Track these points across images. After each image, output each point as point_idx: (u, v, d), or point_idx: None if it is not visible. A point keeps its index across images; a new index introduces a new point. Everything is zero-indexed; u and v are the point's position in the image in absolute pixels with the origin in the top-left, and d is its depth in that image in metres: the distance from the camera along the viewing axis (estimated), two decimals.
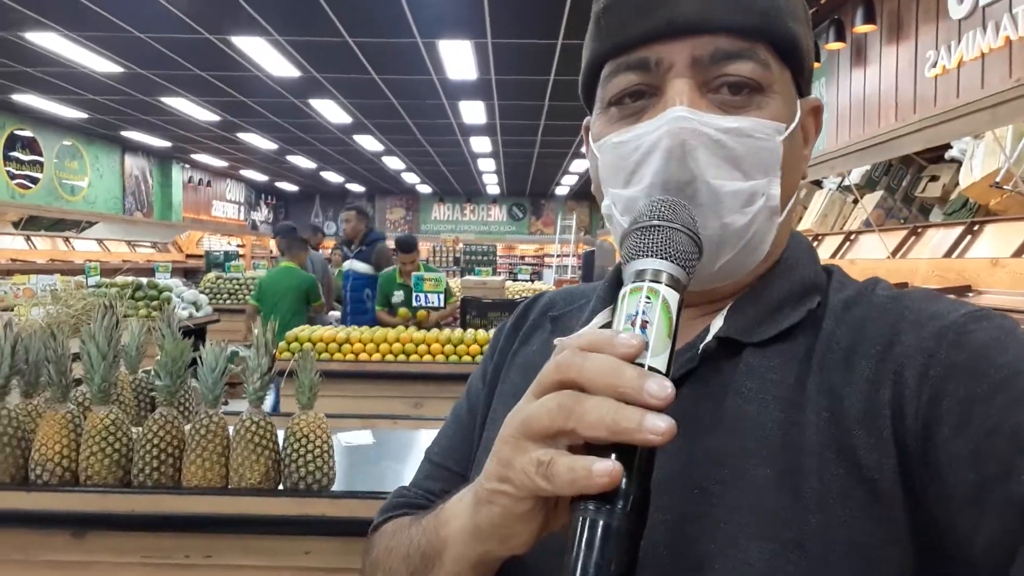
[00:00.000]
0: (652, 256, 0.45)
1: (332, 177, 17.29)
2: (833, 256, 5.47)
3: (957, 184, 5.25)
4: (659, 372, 0.41)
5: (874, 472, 0.46)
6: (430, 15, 5.87)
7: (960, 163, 5.18)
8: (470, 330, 4.49)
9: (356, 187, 19.60)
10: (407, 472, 2.16)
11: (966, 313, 0.49)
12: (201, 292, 7.29)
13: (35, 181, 10.84)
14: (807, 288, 0.58)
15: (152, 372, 1.87)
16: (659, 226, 0.47)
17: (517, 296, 8.12)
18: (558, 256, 15.98)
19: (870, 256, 5.08)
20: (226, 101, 9.28)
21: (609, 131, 0.58)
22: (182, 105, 9.57)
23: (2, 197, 10.13)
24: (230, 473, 1.81)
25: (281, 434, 1.85)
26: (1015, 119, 3.30)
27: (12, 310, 5.02)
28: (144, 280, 5.97)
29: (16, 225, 10.44)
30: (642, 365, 0.41)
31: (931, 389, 0.46)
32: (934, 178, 5.87)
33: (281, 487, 1.82)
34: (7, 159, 10.25)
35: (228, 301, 8.32)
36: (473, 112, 9.61)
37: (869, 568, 0.45)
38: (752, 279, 0.59)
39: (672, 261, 0.45)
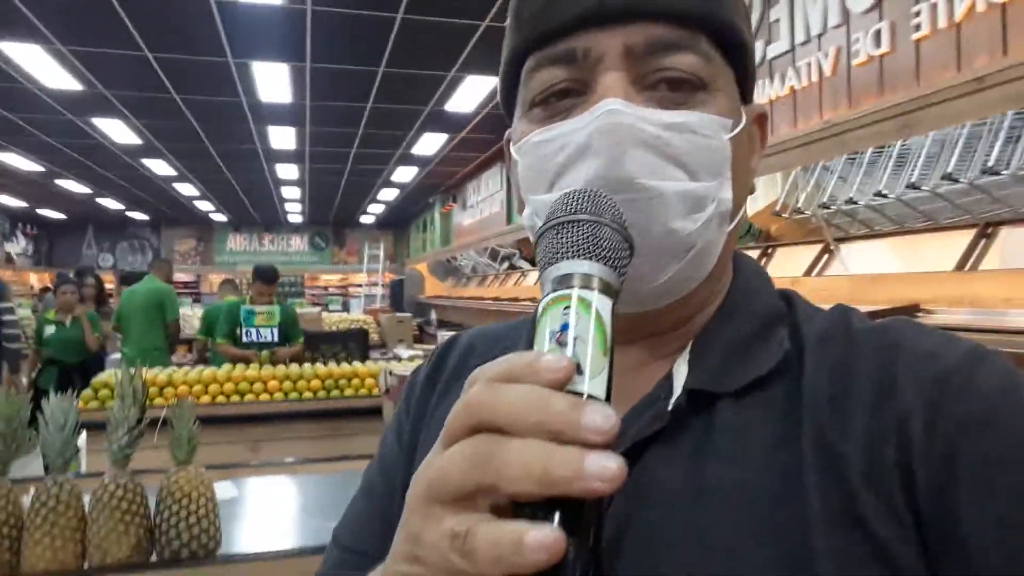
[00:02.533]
0: (575, 256, 0.37)
1: (111, 204, 15.50)
2: None
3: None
4: (597, 398, 0.32)
5: (892, 547, 0.39)
6: (246, 35, 5.53)
7: None
8: (307, 365, 4.24)
9: (139, 215, 17.74)
10: (289, 522, 1.97)
11: (965, 353, 0.44)
12: None
13: None
14: (771, 319, 0.51)
15: None
16: (580, 220, 0.38)
17: (339, 327, 7.81)
18: (366, 286, 15.67)
19: None
20: None
21: (531, 131, 0.51)
22: None
23: None
24: (89, 550, 1.53)
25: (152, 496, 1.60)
26: (804, 162, 3.83)
27: None
28: None
29: None
30: (577, 394, 0.32)
31: (941, 447, 0.40)
32: None
33: (155, 559, 1.57)
34: None
35: None
36: (283, 138, 9.17)
37: None
38: (702, 302, 0.53)
39: (600, 261, 0.37)
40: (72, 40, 5.68)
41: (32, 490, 1.55)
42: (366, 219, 18.86)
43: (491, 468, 0.30)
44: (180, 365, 4.97)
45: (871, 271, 3.61)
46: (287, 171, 11.70)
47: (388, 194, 14.41)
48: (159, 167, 11.20)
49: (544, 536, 0.28)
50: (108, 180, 12.44)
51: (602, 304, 0.35)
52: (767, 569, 0.40)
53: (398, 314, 9.63)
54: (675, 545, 0.42)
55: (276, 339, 4.24)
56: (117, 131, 8.73)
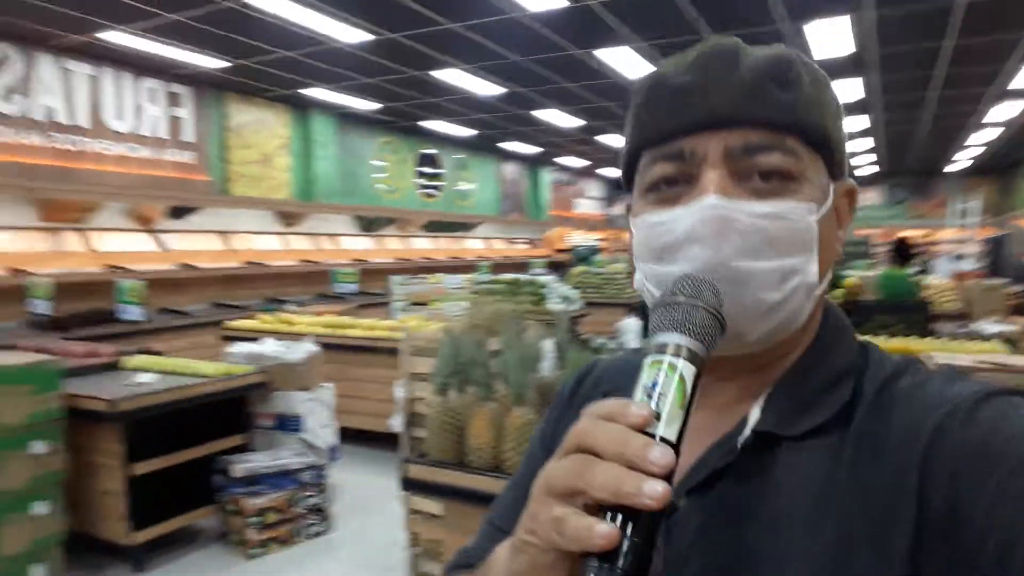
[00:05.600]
0: (672, 330, 0.47)
1: None
2: None
3: None
4: (669, 441, 0.43)
5: (914, 558, 0.47)
6: None
7: None
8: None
9: None
10: None
11: (975, 392, 0.52)
12: (572, 287, 7.96)
13: (438, 190, 12.95)
14: (841, 374, 0.59)
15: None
16: (681, 303, 0.49)
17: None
18: (956, 243, 13.65)
19: None
20: (589, 107, 9.93)
21: (645, 211, 0.61)
22: (551, 116, 10.51)
23: (415, 206, 12.32)
24: None
25: None
26: None
27: (428, 303, 6.10)
28: (522, 276, 6.72)
29: (425, 228, 12.60)
30: (652, 435, 0.43)
31: (948, 469, 0.48)
32: None
33: None
34: (418, 174, 12.43)
35: (595, 294, 8.92)
36: (843, 91, 8.75)
37: None
38: (788, 351, 0.61)
39: (690, 336, 0.47)
40: (647, 36, 6.59)
41: None
42: (955, 168, 16.43)
43: (583, 479, 0.43)
44: None
45: None
46: (852, 123, 11.09)
47: (982, 137, 12.27)
48: None
49: (605, 528, 0.41)
50: None
51: (686, 369, 0.46)
52: None
53: (987, 280, 8.00)
54: (732, 558, 0.53)
55: None
56: None
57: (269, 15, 5.96)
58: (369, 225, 11.02)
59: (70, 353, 3.91)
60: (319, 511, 3.65)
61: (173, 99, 8.09)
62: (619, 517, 0.42)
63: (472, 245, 13.89)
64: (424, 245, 12.43)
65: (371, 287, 8.91)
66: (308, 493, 3.59)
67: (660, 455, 0.42)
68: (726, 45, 0.60)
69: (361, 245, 10.71)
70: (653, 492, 0.41)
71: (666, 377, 0.45)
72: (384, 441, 4.70)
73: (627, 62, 7.41)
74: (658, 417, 0.44)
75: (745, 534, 0.53)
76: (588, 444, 0.45)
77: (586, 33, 6.52)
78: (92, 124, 7.19)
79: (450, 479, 2.25)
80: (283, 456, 3.60)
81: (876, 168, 17.13)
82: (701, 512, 0.56)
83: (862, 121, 10.97)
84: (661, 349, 0.47)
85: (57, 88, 6.93)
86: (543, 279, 7.24)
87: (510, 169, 15.49)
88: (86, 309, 5.69)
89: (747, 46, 0.61)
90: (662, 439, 0.43)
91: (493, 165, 14.85)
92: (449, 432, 2.29)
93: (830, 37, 6.49)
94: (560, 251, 15.32)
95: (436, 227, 12.77)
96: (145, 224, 7.53)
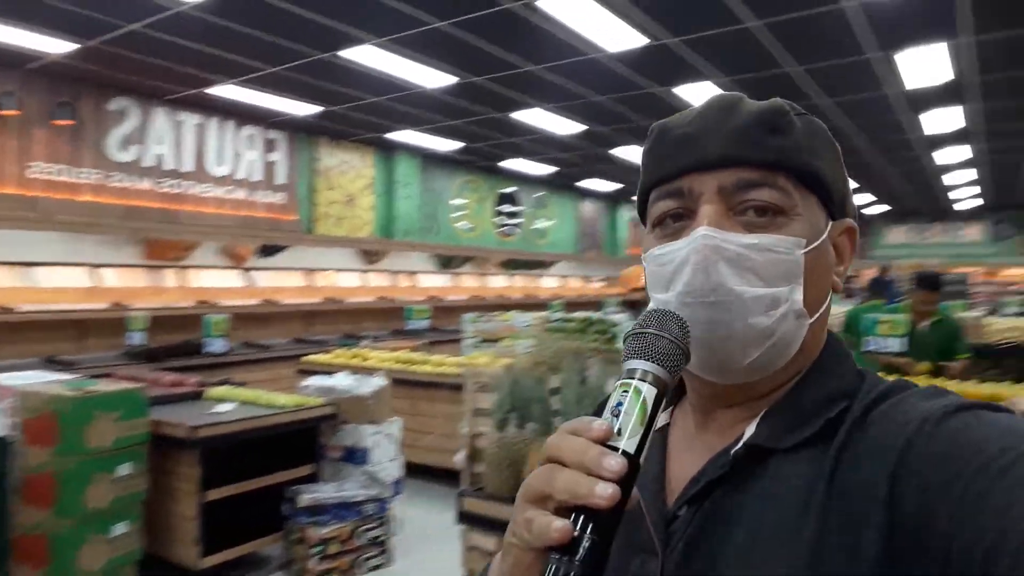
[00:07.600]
0: (637, 357, 0.53)
1: None
2: None
3: None
4: (629, 453, 0.49)
5: (879, 569, 0.50)
6: (888, 26, 5.30)
7: None
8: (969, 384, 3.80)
9: None
10: None
11: (944, 406, 0.55)
12: None
13: (517, 228, 13.06)
14: (835, 397, 0.62)
15: None
16: (645, 333, 0.54)
17: (1007, 337, 6.64)
18: None
19: None
20: None
21: (653, 246, 0.66)
22: (628, 153, 10.47)
23: (492, 244, 12.46)
24: None
25: None
26: None
27: (498, 341, 6.09)
28: (594, 315, 6.63)
29: (502, 266, 12.70)
30: (615, 447, 0.49)
31: (916, 479, 0.51)
32: None
33: None
34: (496, 213, 12.58)
35: None
36: (941, 121, 8.34)
37: None
38: (786, 379, 0.64)
39: (653, 362, 0.53)
40: (726, 72, 6.49)
41: None
42: None
43: (549, 484, 0.50)
44: None
45: None
46: (949, 155, 10.53)
47: None
48: None
49: (559, 524, 0.47)
50: None
51: (649, 392, 0.52)
52: None
53: None
54: (723, 556, 0.57)
55: (899, 349, 3.95)
56: None
57: (359, 64, 6.25)
58: (447, 263, 11.20)
59: (158, 383, 4.11)
60: (380, 544, 3.65)
61: (269, 144, 8.57)
62: (580, 518, 0.47)
63: (548, 283, 13.89)
64: (500, 283, 12.51)
65: (446, 324, 9.02)
66: (369, 525, 3.61)
67: (614, 463, 0.48)
68: (727, 98, 0.66)
69: (438, 282, 10.89)
70: (603, 493, 0.47)
71: (630, 398, 0.51)
72: (449, 477, 4.68)
73: (704, 96, 7.32)
74: (620, 432, 0.50)
75: (734, 539, 0.57)
76: (555, 455, 0.51)
77: (666, 71, 6.50)
78: (195, 169, 7.69)
79: (505, 514, 2.20)
80: (348, 488, 3.64)
81: (980, 201, 16.15)
82: (697, 519, 0.60)
83: (963, 152, 10.39)
84: (629, 374, 0.53)
85: (168, 137, 7.47)
86: (614, 318, 7.12)
87: (588, 207, 15.47)
88: (177, 341, 6.00)
89: (748, 99, 0.66)
90: (623, 452, 0.49)
91: (571, 203, 14.88)
92: (506, 467, 2.26)
93: (925, 65, 6.22)
94: (635, 290, 15.06)
95: (513, 265, 12.86)
96: (238, 262, 7.92)
